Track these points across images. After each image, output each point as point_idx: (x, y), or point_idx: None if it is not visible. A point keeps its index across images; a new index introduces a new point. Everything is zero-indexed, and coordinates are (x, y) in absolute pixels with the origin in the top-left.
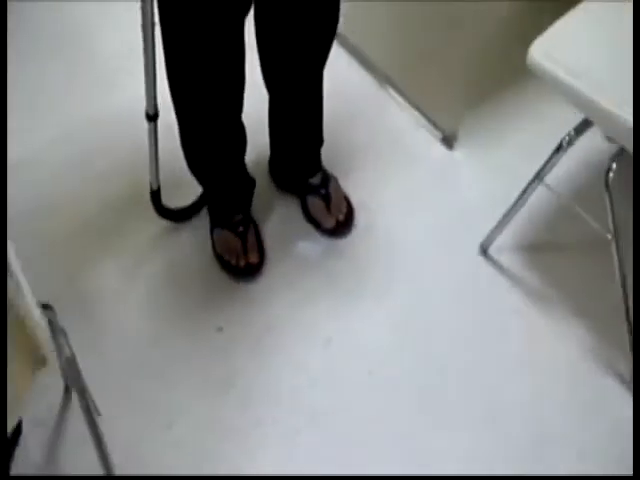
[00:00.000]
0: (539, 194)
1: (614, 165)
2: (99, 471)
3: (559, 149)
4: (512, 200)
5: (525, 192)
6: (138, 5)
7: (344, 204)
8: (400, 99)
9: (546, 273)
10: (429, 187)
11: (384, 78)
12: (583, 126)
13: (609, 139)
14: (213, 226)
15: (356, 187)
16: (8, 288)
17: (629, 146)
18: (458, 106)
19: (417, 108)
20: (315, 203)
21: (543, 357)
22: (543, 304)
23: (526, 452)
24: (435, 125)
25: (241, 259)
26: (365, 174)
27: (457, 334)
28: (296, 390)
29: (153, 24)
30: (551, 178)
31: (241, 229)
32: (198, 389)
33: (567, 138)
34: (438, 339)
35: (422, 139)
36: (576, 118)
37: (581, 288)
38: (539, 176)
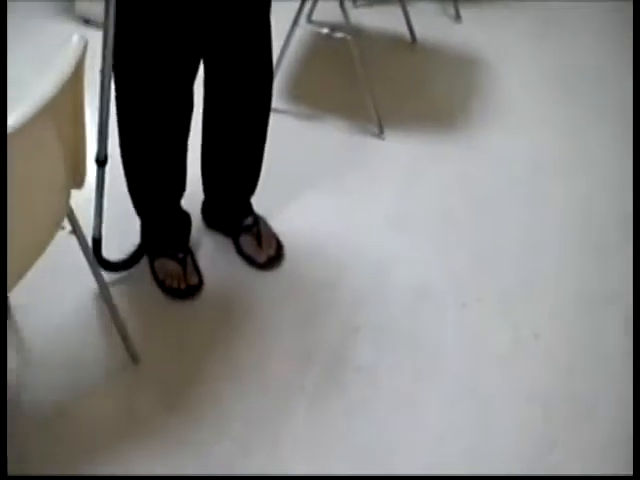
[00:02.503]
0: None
1: None
2: None
3: None
4: None
5: (288, 37)
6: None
7: (274, 240)
8: None
9: (311, 96)
10: None
11: None
12: None
13: None
14: (153, 257)
15: None
16: None
17: None
18: None
19: None
20: (247, 241)
21: (322, 148)
22: (313, 120)
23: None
24: None
25: (182, 282)
26: None
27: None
28: None
29: (110, 73)
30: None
31: (181, 255)
32: None
33: None
34: None
35: None
36: None
37: (336, 93)
38: (295, 22)
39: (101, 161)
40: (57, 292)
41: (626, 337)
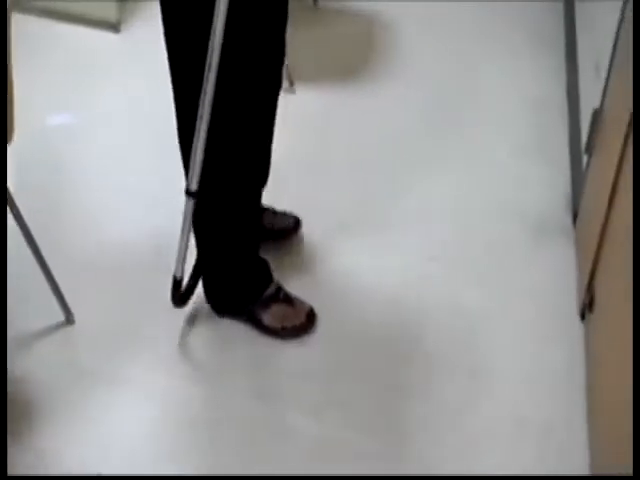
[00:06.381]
0: None
1: None
2: None
3: None
4: None
5: None
6: None
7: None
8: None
9: None
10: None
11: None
12: None
13: None
14: (257, 310)
15: None
16: None
17: None
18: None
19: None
20: (272, 218)
21: None
22: None
23: None
24: (100, 21)
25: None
26: None
27: None
28: None
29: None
30: None
31: (282, 294)
32: None
33: None
34: None
35: (96, 35)
36: None
37: None
38: None
39: (192, 192)
40: None
41: (533, 247)
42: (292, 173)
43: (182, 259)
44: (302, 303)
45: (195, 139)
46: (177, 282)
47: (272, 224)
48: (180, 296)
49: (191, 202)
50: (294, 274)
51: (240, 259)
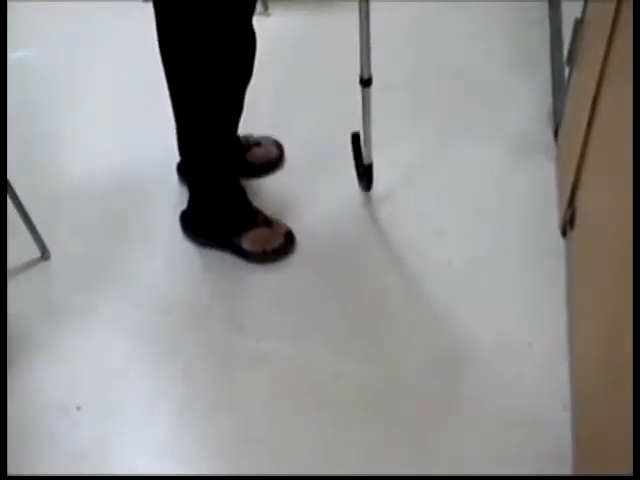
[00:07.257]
0: None
1: None
2: None
3: None
4: None
5: None
6: None
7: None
8: None
9: None
10: None
11: None
12: None
13: None
14: (237, 236)
15: None
16: None
17: None
18: None
19: None
20: (254, 152)
21: None
22: None
23: None
24: None
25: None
26: None
27: None
28: None
29: None
30: None
31: (260, 217)
32: None
33: None
34: None
35: None
36: None
37: None
38: None
39: (365, 80)
40: None
41: (514, 164)
42: (267, 97)
43: (369, 146)
44: (279, 224)
45: (361, 29)
46: (368, 168)
47: (258, 158)
48: (369, 180)
49: (367, 91)
50: (269, 199)
51: (223, 184)
